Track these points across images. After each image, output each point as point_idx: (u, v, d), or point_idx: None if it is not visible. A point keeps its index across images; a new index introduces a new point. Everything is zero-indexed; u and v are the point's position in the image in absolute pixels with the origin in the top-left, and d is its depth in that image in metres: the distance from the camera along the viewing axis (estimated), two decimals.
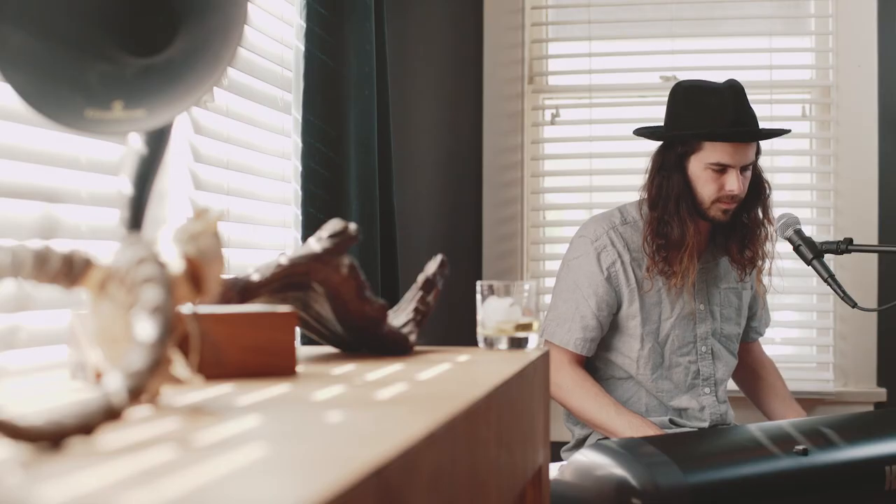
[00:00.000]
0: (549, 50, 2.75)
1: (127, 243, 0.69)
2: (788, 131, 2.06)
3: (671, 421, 2.00)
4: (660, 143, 2.02)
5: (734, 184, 1.93)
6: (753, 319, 2.21)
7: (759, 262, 2.03)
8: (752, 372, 2.23)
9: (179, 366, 0.68)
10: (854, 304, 1.94)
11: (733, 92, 1.95)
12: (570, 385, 1.96)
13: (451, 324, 2.43)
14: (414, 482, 0.57)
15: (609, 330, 2.02)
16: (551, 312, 2.03)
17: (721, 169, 1.94)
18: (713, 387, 2.03)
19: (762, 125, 2.61)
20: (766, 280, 2.09)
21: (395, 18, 2.36)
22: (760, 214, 2.02)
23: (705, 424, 2.01)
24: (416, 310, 1.14)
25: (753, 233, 2.01)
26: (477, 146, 2.70)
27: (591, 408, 1.94)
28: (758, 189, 2.01)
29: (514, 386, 0.94)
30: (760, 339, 2.54)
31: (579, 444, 2.05)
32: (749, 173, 1.98)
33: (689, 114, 1.96)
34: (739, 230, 2.01)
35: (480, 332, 1.17)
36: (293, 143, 1.81)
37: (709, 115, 1.94)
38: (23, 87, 0.78)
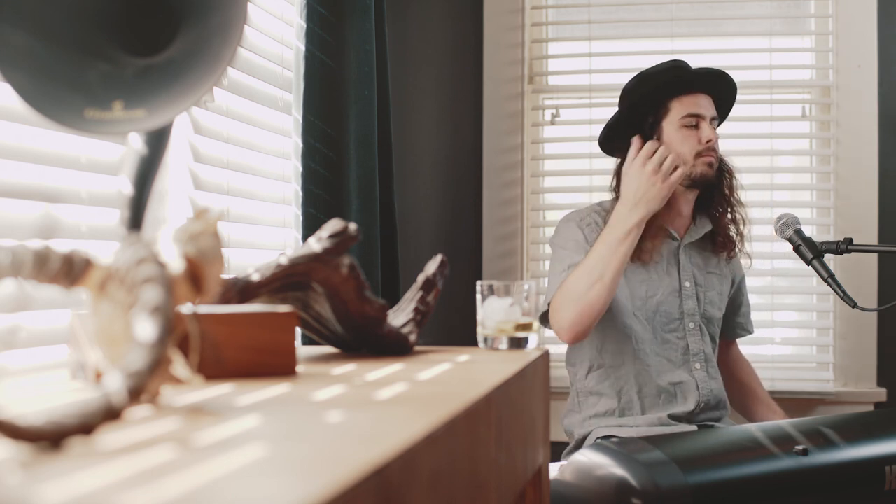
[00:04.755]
0: (549, 50, 2.75)
1: (127, 243, 0.69)
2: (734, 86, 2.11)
3: (670, 416, 2.00)
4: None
5: (711, 132, 2.01)
6: (738, 315, 2.23)
7: (739, 231, 2.10)
8: (728, 374, 2.26)
9: (179, 366, 0.68)
10: (854, 304, 1.94)
11: (676, 61, 2.05)
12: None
13: (451, 324, 2.44)
14: (414, 482, 0.56)
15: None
16: (548, 289, 2.03)
17: (694, 123, 2.00)
18: (703, 363, 2.04)
19: (761, 125, 2.63)
20: (744, 261, 2.17)
21: (395, 18, 2.36)
22: (727, 191, 2.09)
23: (694, 403, 2.01)
24: (417, 310, 1.14)
25: (728, 207, 2.09)
26: (477, 146, 2.70)
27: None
28: (721, 167, 2.09)
29: (514, 386, 0.94)
30: (758, 344, 2.55)
31: (579, 444, 2.05)
32: (717, 133, 2.05)
33: (642, 86, 2.02)
34: (717, 202, 2.09)
35: (480, 332, 1.17)
36: (293, 143, 1.81)
37: (662, 76, 2.01)
38: (23, 87, 0.78)
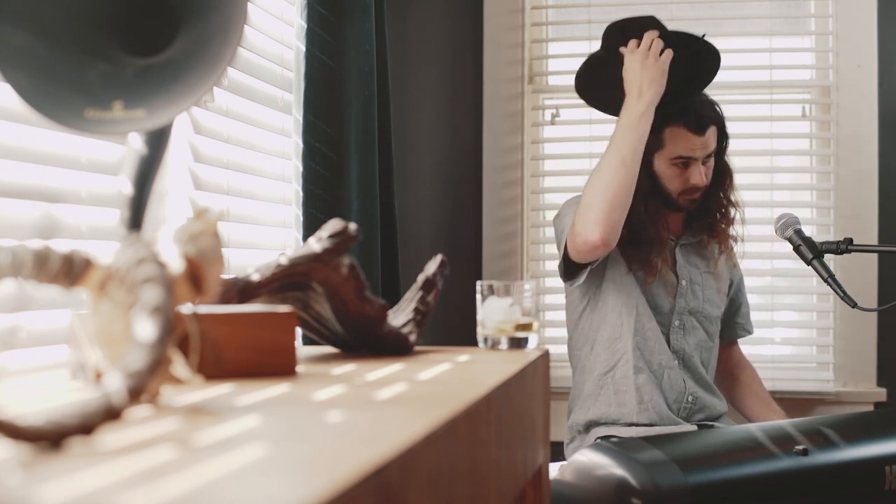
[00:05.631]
0: (549, 50, 2.75)
1: (127, 243, 0.69)
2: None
3: (669, 404, 2.01)
4: None
5: (697, 177, 2.01)
6: (738, 315, 2.23)
7: (731, 239, 2.12)
8: (730, 374, 2.26)
9: (179, 366, 0.68)
10: (854, 304, 1.94)
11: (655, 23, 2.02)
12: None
13: (451, 324, 2.43)
14: (414, 482, 0.57)
15: (601, 282, 2.04)
16: (565, 231, 2.02)
17: (685, 163, 2.01)
18: (682, 360, 2.05)
19: (761, 125, 2.63)
20: (737, 248, 2.18)
21: (395, 18, 2.36)
22: (724, 197, 2.10)
23: (675, 397, 2.01)
24: (417, 310, 1.14)
25: (723, 213, 2.10)
26: (477, 146, 2.70)
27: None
28: (722, 176, 2.09)
29: (514, 386, 0.94)
30: (758, 344, 2.55)
31: (575, 430, 2.06)
32: (712, 162, 2.05)
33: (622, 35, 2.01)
34: (711, 214, 2.10)
35: (480, 332, 1.17)
36: (293, 144, 1.81)
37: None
38: (23, 87, 0.78)
